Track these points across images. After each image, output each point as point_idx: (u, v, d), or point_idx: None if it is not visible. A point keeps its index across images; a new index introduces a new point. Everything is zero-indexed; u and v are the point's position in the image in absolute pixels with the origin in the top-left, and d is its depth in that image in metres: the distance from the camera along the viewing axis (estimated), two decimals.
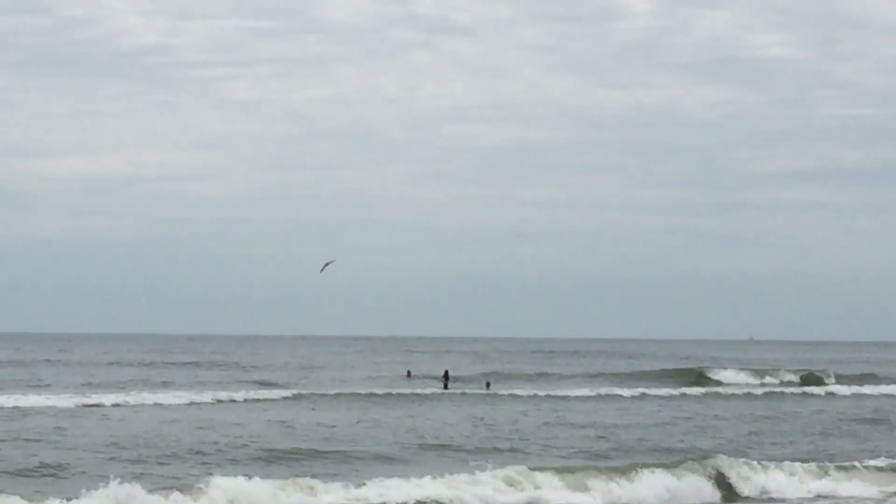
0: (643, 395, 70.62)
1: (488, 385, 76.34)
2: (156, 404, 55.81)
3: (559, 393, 70.21)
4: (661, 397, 70.30)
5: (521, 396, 67.01)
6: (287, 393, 64.78)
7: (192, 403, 57.07)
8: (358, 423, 48.20)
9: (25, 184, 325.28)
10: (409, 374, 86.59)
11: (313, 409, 54.53)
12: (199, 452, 36.16)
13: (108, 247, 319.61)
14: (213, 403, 57.66)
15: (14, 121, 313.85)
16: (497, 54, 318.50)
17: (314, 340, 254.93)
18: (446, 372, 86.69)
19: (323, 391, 66.73)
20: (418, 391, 68.72)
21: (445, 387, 74.24)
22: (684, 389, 76.20)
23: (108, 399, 56.88)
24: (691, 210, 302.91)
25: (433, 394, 66.91)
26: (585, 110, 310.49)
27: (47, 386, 69.22)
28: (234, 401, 59.37)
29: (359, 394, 65.35)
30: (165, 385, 71.57)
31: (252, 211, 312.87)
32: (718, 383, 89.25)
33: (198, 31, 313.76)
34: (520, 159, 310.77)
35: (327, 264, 48.42)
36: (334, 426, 46.10)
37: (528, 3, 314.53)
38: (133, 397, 58.39)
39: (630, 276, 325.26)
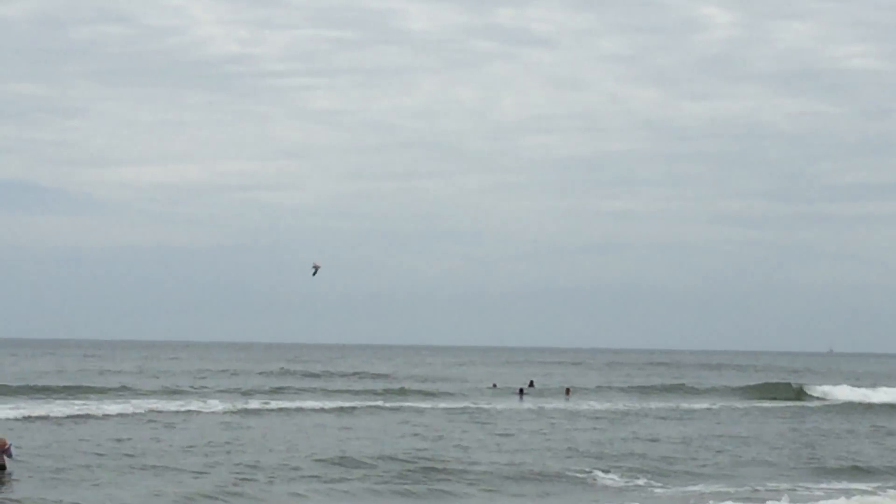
0: (754, 408, 69.41)
1: (568, 392, 77.37)
2: (312, 408, 58.88)
3: (683, 406, 69.67)
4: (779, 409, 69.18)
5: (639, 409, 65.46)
6: (431, 404, 65.37)
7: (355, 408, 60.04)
8: (542, 435, 47.93)
9: (108, 192, 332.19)
10: (494, 385, 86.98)
11: (482, 423, 53.77)
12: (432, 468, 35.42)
13: (187, 255, 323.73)
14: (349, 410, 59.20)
15: (97, 129, 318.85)
16: (577, 65, 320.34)
17: (394, 350, 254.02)
18: (531, 382, 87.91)
19: (452, 404, 66.28)
20: (538, 405, 66.40)
21: (520, 396, 74.48)
22: (789, 403, 76.39)
23: (270, 404, 60.25)
24: (772, 222, 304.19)
25: (553, 409, 64.03)
26: (665, 121, 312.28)
27: (217, 391, 70.18)
28: (379, 407, 61.57)
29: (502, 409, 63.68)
30: (313, 392, 72.70)
31: (332, 220, 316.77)
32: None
33: (279, 41, 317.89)
34: (599, 170, 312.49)
35: (316, 269, 46.75)
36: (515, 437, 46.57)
37: (609, 14, 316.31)
38: (286, 402, 61.38)
39: (710, 287, 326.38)
